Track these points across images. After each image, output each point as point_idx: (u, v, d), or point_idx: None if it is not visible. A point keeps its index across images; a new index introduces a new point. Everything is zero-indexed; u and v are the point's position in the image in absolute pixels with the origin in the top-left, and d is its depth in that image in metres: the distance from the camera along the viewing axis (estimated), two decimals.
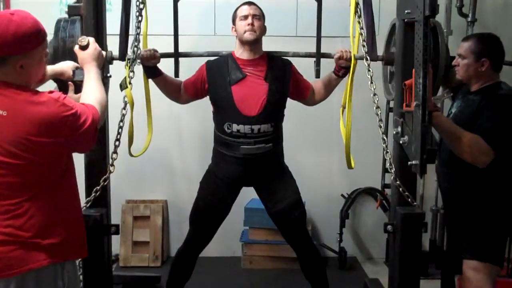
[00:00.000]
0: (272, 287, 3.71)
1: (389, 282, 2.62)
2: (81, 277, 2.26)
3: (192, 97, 3.09)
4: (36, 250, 1.75)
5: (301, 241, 3.05)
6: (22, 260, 1.73)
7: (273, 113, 2.98)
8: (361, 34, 2.47)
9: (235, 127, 2.92)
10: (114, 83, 2.57)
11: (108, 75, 2.45)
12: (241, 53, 3.00)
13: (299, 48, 3.89)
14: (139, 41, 2.50)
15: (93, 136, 1.86)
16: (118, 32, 2.62)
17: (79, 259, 2.25)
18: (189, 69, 3.04)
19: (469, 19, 3.80)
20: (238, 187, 3.10)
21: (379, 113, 2.40)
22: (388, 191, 3.95)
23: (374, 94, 2.41)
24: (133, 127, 2.53)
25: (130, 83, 2.43)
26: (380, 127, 2.41)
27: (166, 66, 2.92)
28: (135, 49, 2.47)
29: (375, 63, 2.68)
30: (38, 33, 1.76)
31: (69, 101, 1.80)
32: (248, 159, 2.94)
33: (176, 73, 2.99)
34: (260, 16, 2.98)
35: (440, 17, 3.61)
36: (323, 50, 2.97)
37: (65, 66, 2.31)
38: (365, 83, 2.58)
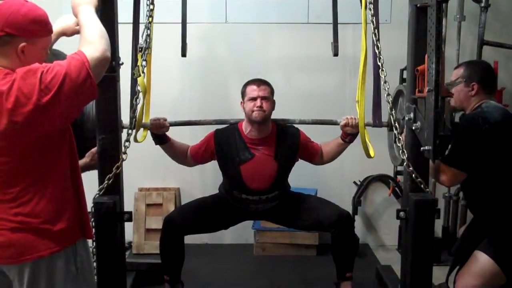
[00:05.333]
0: (285, 274, 3.72)
1: (402, 269, 2.61)
2: (94, 264, 2.28)
3: (199, 164, 3.19)
4: (48, 237, 1.76)
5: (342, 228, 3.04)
6: (35, 247, 1.74)
7: (281, 183, 3.07)
8: (372, 22, 2.44)
9: (244, 196, 3.03)
10: (126, 70, 2.58)
11: (120, 62, 2.45)
12: (249, 132, 3.03)
13: (311, 35, 3.87)
14: (150, 30, 2.50)
15: (83, 81, 1.67)
16: (127, 20, 2.62)
17: (93, 246, 2.28)
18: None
19: (482, 4, 3.75)
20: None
21: (390, 100, 2.39)
22: (400, 178, 3.94)
23: (385, 82, 2.39)
24: (143, 114, 2.54)
25: (143, 71, 2.43)
26: (392, 114, 2.39)
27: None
28: (147, 38, 2.47)
29: (385, 34, 2.64)
30: (46, 23, 1.77)
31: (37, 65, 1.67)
32: (255, 211, 3.09)
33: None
34: (269, 96, 3.00)
35: (453, 3, 3.58)
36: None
37: (66, 22, 2.05)
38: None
